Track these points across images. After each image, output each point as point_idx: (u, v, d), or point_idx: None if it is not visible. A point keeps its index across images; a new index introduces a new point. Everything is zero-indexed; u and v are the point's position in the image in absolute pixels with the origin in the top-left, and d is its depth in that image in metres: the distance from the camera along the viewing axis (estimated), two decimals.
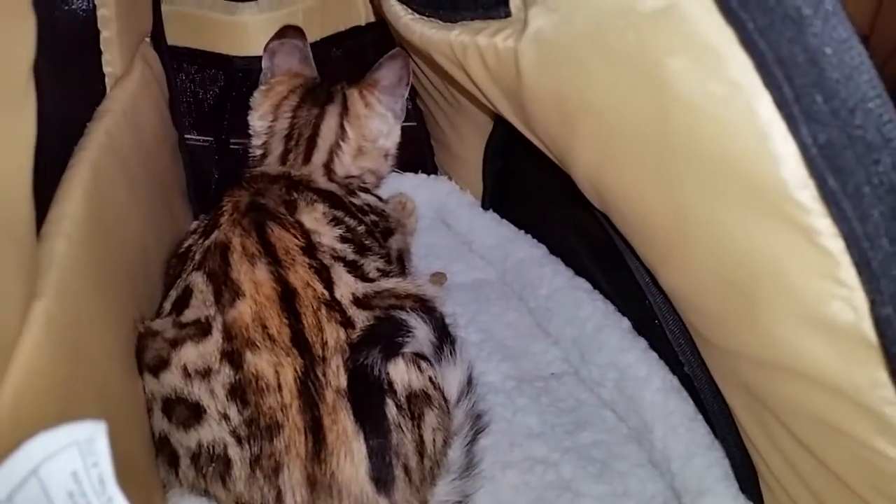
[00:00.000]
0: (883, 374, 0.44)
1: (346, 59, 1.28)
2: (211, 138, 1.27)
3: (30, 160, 0.46)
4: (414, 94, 1.27)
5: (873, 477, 0.51)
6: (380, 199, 1.07)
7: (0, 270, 0.41)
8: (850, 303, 0.43)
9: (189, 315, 0.75)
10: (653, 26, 0.46)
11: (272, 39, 1.10)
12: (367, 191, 1.05)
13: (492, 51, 0.62)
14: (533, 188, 1.14)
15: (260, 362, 0.69)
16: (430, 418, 0.76)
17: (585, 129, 0.57)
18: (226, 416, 0.68)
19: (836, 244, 0.42)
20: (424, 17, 0.77)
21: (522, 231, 1.19)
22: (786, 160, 0.42)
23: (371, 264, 0.85)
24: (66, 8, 0.77)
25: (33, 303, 0.48)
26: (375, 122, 1.06)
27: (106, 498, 0.38)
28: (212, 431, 0.68)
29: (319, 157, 1.02)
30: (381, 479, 0.68)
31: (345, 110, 1.04)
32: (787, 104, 0.40)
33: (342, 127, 1.04)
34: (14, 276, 0.43)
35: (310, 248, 0.81)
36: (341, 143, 1.03)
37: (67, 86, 0.75)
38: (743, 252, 0.49)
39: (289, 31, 1.11)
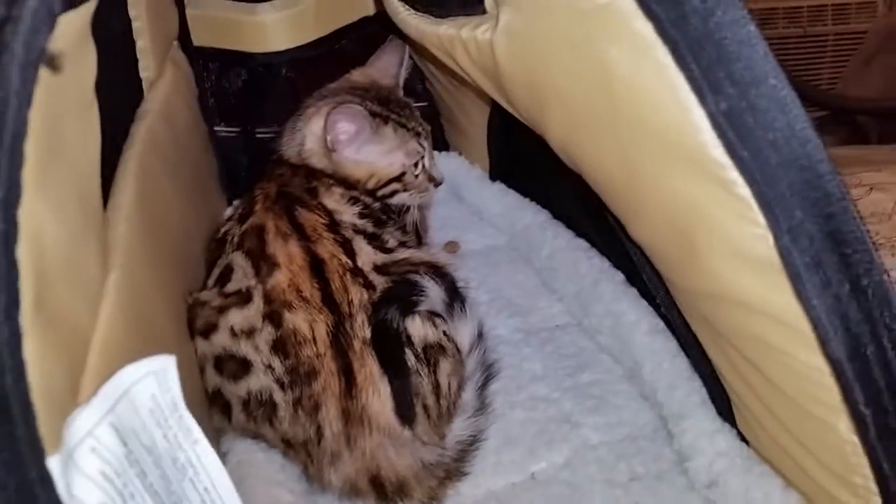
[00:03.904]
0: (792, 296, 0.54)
1: (358, 48, 1.38)
2: (238, 129, 1.39)
3: (98, 159, 0.57)
4: (423, 77, 1.37)
5: (808, 387, 0.60)
6: None
7: (85, 246, 0.52)
8: (765, 239, 0.53)
9: (232, 287, 0.87)
10: (595, 20, 0.56)
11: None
12: None
13: (473, 42, 0.73)
14: (534, 160, 1.23)
15: (297, 320, 0.81)
16: (445, 366, 0.87)
17: (552, 107, 0.67)
18: (270, 367, 0.80)
19: (747, 191, 0.52)
20: (419, 13, 0.87)
21: (527, 199, 1.29)
22: (702, 126, 0.52)
23: (389, 236, 0.96)
24: (109, 26, 0.88)
25: (108, 274, 0.59)
26: None
27: (177, 416, 0.50)
28: (259, 381, 0.80)
29: None
30: (405, 414, 0.80)
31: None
32: (696, 80, 0.50)
33: None
34: (95, 251, 0.55)
35: (333, 225, 0.92)
36: None
37: (114, 93, 0.86)
38: (682, 204, 0.59)
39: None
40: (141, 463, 0.47)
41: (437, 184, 1.13)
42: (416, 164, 1.08)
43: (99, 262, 0.56)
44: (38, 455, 0.37)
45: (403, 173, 1.07)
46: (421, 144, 1.08)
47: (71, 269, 0.47)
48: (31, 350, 0.38)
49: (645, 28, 0.52)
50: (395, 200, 1.08)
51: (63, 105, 0.46)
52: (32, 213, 0.39)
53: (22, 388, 0.36)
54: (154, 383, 0.48)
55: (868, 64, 2.15)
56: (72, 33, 0.46)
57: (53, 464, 0.39)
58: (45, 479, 0.38)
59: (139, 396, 0.47)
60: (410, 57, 1.21)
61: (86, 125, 0.54)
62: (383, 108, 1.06)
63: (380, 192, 1.06)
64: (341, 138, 1.02)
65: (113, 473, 0.44)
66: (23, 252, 0.37)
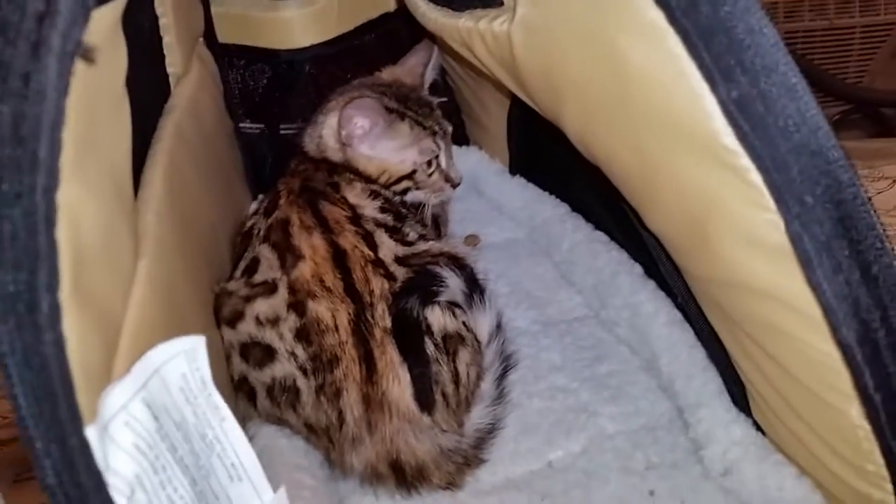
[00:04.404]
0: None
1: (379, 45, 1.40)
2: (262, 125, 1.41)
3: (129, 151, 0.60)
4: (444, 72, 1.39)
5: (820, 373, 0.61)
6: None
7: (118, 233, 0.55)
8: (776, 225, 0.54)
9: (258, 278, 0.90)
10: (608, 10, 0.58)
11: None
12: None
13: (490, 34, 0.74)
14: (553, 153, 1.24)
15: (320, 308, 0.83)
16: (464, 355, 0.89)
17: (568, 98, 0.69)
18: (294, 354, 0.82)
19: (758, 178, 0.53)
20: (438, 7, 0.89)
21: (547, 192, 1.30)
22: (714, 113, 0.53)
23: (410, 229, 0.98)
24: (137, 22, 0.91)
25: (138, 261, 0.62)
26: None
27: (206, 393, 0.52)
28: (283, 367, 0.83)
29: None
30: (424, 400, 0.82)
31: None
32: (707, 68, 0.51)
33: None
34: (127, 238, 0.58)
35: (356, 219, 0.94)
36: None
37: (143, 88, 0.89)
38: (694, 191, 0.60)
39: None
40: (171, 438, 0.49)
41: (455, 184, 1.13)
42: (429, 163, 1.08)
43: (131, 250, 0.58)
44: (77, 424, 0.40)
45: (415, 171, 1.08)
46: (436, 143, 1.09)
47: (105, 254, 0.49)
48: (69, 325, 0.40)
49: (657, 17, 0.53)
50: (410, 198, 1.09)
51: (97, 97, 0.48)
52: (70, 198, 0.41)
53: (61, 359, 0.39)
54: (184, 362, 0.51)
55: None
56: (104, 28, 0.48)
57: (91, 433, 0.41)
58: (85, 447, 0.40)
59: (170, 374, 0.50)
60: None
61: (118, 117, 0.56)
62: (401, 104, 1.08)
63: (392, 189, 1.07)
64: (356, 133, 1.04)
65: (146, 446, 0.46)
66: (62, 234, 0.40)
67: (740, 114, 0.51)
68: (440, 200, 1.14)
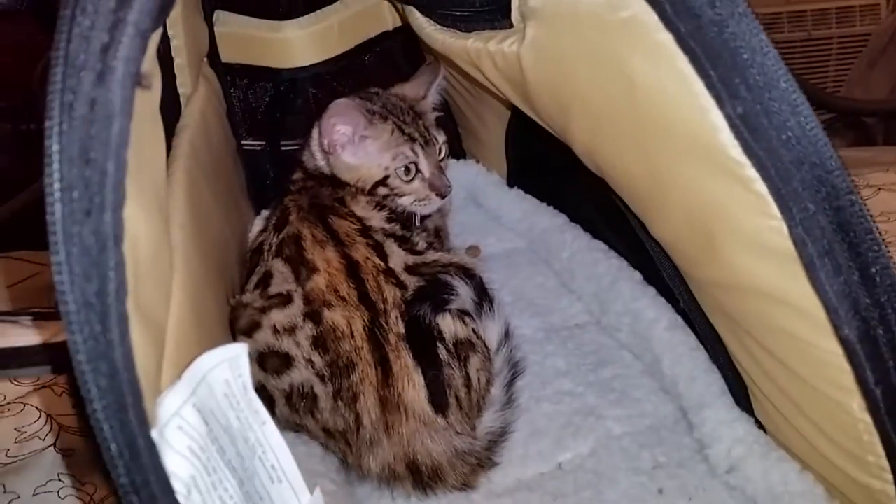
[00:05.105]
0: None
1: (378, 62, 1.44)
2: (264, 142, 1.44)
3: (165, 168, 0.63)
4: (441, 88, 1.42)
5: (822, 370, 0.65)
6: None
7: (163, 248, 0.57)
8: (780, 231, 0.58)
9: (273, 290, 0.93)
10: (619, 32, 0.61)
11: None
12: None
13: (500, 55, 0.78)
14: (551, 165, 1.28)
15: (335, 317, 0.86)
16: (475, 361, 0.92)
17: (577, 114, 0.72)
18: (311, 362, 0.85)
19: (763, 187, 0.57)
20: (445, 28, 0.92)
21: (545, 203, 1.34)
22: (720, 127, 0.57)
23: (419, 238, 1.01)
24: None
25: (172, 275, 0.65)
26: None
27: (248, 399, 0.55)
28: (300, 374, 0.85)
29: None
30: (438, 402, 0.85)
31: None
32: (714, 86, 0.55)
33: None
34: (168, 252, 0.60)
35: (365, 231, 0.98)
36: None
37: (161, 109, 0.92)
38: (702, 201, 0.64)
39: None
40: (220, 441, 0.52)
41: (441, 194, 1.11)
42: (407, 171, 1.08)
43: (169, 263, 0.61)
44: (145, 427, 0.42)
45: (387, 177, 1.07)
46: (413, 150, 1.08)
47: (154, 268, 0.52)
48: (133, 333, 0.43)
49: (666, 39, 0.57)
50: (395, 206, 1.08)
51: (143, 119, 0.51)
52: (131, 216, 0.44)
53: (130, 366, 0.41)
54: (227, 369, 0.53)
55: (873, 66, 2.19)
56: (152, 53, 0.51)
57: (155, 435, 0.44)
58: (153, 449, 0.42)
59: (215, 381, 0.53)
60: None
61: (156, 138, 0.59)
62: (384, 109, 1.09)
63: (370, 195, 1.07)
64: (339, 140, 1.06)
65: (199, 449, 0.49)
66: (126, 249, 0.43)
67: (745, 128, 0.55)
68: (429, 211, 1.14)
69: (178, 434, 0.48)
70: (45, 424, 0.95)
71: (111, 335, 0.40)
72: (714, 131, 0.57)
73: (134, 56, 0.43)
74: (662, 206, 0.71)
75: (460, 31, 0.88)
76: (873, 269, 0.55)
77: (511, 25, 0.76)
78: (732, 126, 0.55)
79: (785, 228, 0.57)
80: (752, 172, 0.57)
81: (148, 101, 0.51)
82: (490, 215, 1.42)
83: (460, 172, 1.45)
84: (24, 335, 1.03)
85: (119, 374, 0.41)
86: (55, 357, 0.99)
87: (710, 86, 0.55)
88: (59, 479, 0.86)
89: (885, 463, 0.63)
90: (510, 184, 1.41)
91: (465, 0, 0.84)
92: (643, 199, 0.75)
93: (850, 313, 0.56)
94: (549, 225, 1.29)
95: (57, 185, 0.41)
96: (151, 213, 0.50)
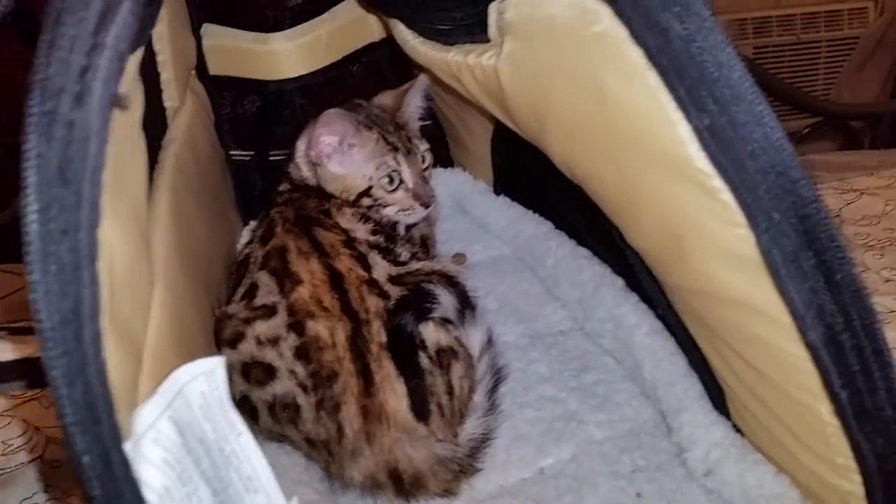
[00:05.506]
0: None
1: (365, 73, 1.45)
2: (252, 153, 1.45)
3: (145, 185, 0.64)
4: (429, 98, 1.44)
5: (791, 374, 0.66)
6: None
7: (140, 264, 0.58)
8: (747, 239, 0.59)
9: (258, 302, 0.94)
10: (591, 46, 0.63)
11: None
12: None
13: (479, 68, 0.79)
14: (536, 173, 1.29)
15: (318, 327, 0.87)
16: (457, 368, 0.93)
17: (553, 125, 0.74)
18: (294, 372, 0.86)
19: (729, 197, 0.58)
20: (427, 41, 0.94)
21: (531, 211, 1.35)
22: (688, 139, 0.58)
23: (402, 249, 1.03)
24: (143, 63, 0.94)
25: (152, 289, 0.66)
26: None
27: (224, 411, 0.56)
28: (283, 385, 0.86)
29: None
30: (420, 411, 0.86)
31: None
32: (681, 99, 0.56)
33: None
34: (146, 268, 0.61)
35: (349, 242, 0.99)
36: None
37: (147, 124, 0.93)
38: (672, 210, 0.65)
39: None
40: (195, 452, 0.53)
41: (425, 203, 1.11)
42: (390, 181, 1.09)
43: (148, 279, 0.62)
44: (117, 440, 0.43)
45: (370, 187, 1.08)
46: (395, 160, 1.08)
47: (131, 284, 0.53)
48: (108, 350, 0.44)
49: (635, 53, 0.59)
50: (380, 217, 1.09)
51: (122, 138, 0.52)
52: (107, 234, 0.45)
53: (104, 381, 0.42)
54: (204, 382, 0.54)
55: (861, 69, 2.21)
56: (131, 74, 0.52)
57: (128, 448, 0.45)
58: (125, 461, 0.43)
59: (192, 394, 0.53)
60: None
61: (136, 155, 0.60)
62: (369, 119, 1.10)
63: (355, 207, 1.08)
64: (325, 151, 1.07)
65: (173, 461, 0.50)
66: (101, 267, 0.44)
67: (712, 139, 0.56)
68: (414, 220, 1.14)
69: (153, 446, 0.49)
70: (32, 437, 0.96)
71: (85, 351, 0.41)
72: (682, 143, 0.59)
73: (112, 78, 0.44)
74: (636, 216, 0.73)
75: (442, 44, 0.89)
76: (838, 276, 0.57)
77: (489, 39, 0.78)
78: (700, 138, 0.57)
79: (752, 237, 0.58)
80: (718, 183, 0.58)
81: (126, 121, 0.52)
82: (477, 223, 1.43)
83: (447, 180, 1.47)
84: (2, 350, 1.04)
85: (93, 389, 0.42)
86: (31, 372, 1.00)
87: (677, 99, 0.57)
88: (46, 492, 0.87)
89: (853, 465, 0.64)
90: (497, 191, 1.42)
91: (445, 14, 0.86)
92: (618, 208, 0.76)
93: (816, 319, 0.57)
94: (535, 232, 1.30)
95: (34, 206, 0.42)
96: (128, 231, 0.51)
